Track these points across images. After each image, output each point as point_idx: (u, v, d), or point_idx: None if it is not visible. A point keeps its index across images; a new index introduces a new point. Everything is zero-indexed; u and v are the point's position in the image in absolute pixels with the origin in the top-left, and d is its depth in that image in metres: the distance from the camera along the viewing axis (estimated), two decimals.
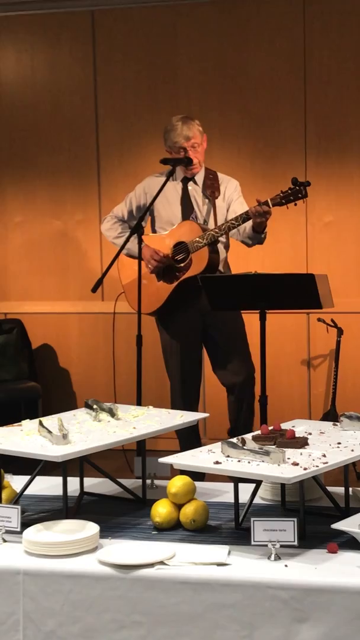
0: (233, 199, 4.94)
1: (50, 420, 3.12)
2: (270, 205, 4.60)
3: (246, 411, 4.93)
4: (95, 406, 3.28)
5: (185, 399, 4.94)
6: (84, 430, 3.07)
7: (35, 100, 6.52)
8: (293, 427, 3.08)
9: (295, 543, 2.54)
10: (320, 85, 6.08)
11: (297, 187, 4.58)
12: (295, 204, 4.63)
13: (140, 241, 4.74)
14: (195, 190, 4.94)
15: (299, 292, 4.44)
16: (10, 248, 6.63)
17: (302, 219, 6.05)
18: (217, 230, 4.72)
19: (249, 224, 4.73)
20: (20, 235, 6.61)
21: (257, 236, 4.80)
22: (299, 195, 4.59)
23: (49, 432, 2.94)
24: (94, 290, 4.76)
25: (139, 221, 4.76)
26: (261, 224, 4.70)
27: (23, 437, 3.01)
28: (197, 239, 4.75)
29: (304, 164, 6.11)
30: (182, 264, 4.83)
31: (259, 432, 2.99)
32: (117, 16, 6.34)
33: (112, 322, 6.24)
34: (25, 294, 6.61)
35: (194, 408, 4.93)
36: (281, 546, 2.53)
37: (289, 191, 4.60)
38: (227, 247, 4.95)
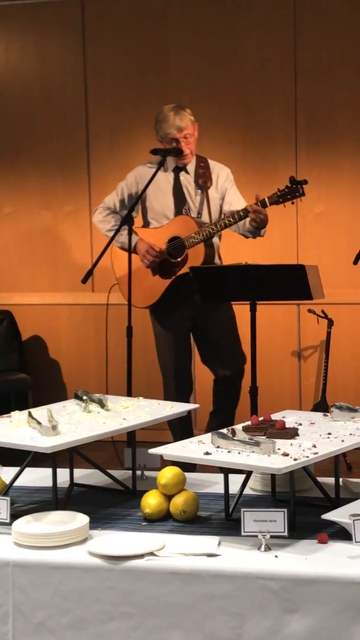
0: (226, 188, 4.91)
1: (40, 412, 3.10)
2: (268, 205, 4.60)
3: (230, 402, 4.96)
4: (84, 397, 3.27)
5: (179, 391, 4.95)
6: (73, 422, 3.06)
7: (25, 90, 6.49)
8: (283, 417, 3.08)
9: (286, 534, 2.53)
10: (311, 76, 6.07)
11: (295, 186, 4.56)
12: (293, 202, 4.63)
13: (130, 232, 4.72)
14: (187, 181, 4.91)
15: (289, 283, 4.43)
16: (0, 239, 6.60)
17: (293, 210, 6.03)
18: (213, 227, 4.70)
19: (247, 220, 4.71)
20: (9, 226, 6.59)
21: (256, 232, 4.80)
22: (296, 194, 4.58)
23: (39, 423, 2.93)
24: (84, 281, 4.75)
25: (128, 212, 4.75)
26: (262, 222, 4.67)
27: (12, 429, 3.00)
28: (193, 234, 4.73)
29: (294, 155, 6.10)
30: (177, 259, 4.82)
31: (249, 423, 2.99)
32: (106, 5, 6.32)
33: (102, 314, 6.25)
34: (15, 286, 6.59)
35: (187, 400, 4.93)
36: (271, 537, 2.53)
37: (286, 190, 4.58)
38: (219, 237, 4.94)
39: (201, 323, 4.93)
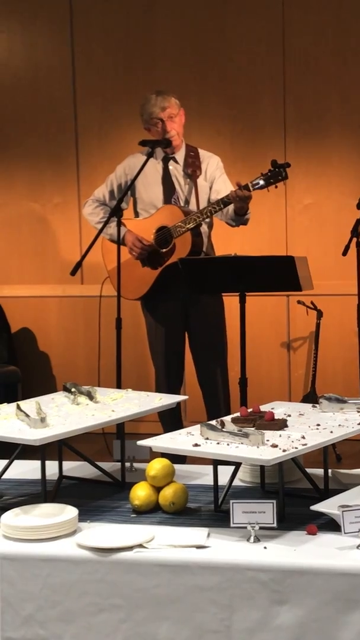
0: (215, 176, 4.88)
1: (28, 404, 3.10)
2: (251, 189, 4.56)
3: (214, 395, 4.92)
4: (73, 389, 3.26)
5: (170, 382, 4.93)
6: (62, 414, 3.05)
7: (13, 83, 6.46)
8: (272, 409, 3.07)
9: (275, 525, 2.53)
10: (300, 66, 6.06)
11: (277, 169, 4.53)
12: (276, 186, 4.60)
13: (119, 224, 4.71)
14: (177, 169, 4.88)
15: (278, 274, 4.43)
16: None
17: (282, 201, 6.03)
18: (199, 215, 4.68)
19: (231, 207, 4.70)
20: None
21: (239, 219, 4.77)
22: (279, 177, 4.54)
23: (27, 415, 2.92)
24: (73, 273, 4.74)
25: (117, 203, 4.73)
26: (242, 208, 4.66)
27: (0, 421, 2.99)
28: (180, 223, 4.70)
29: (283, 146, 6.09)
30: (165, 249, 4.80)
31: (238, 414, 2.98)
32: None
33: (91, 306, 6.24)
34: (4, 278, 6.57)
35: (178, 392, 4.92)
36: (260, 528, 2.53)
37: (269, 173, 4.54)
38: (210, 226, 4.91)
39: (190, 313, 4.90)
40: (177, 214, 4.75)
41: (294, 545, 2.50)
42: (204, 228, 4.83)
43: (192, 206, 4.82)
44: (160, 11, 6.21)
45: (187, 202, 4.83)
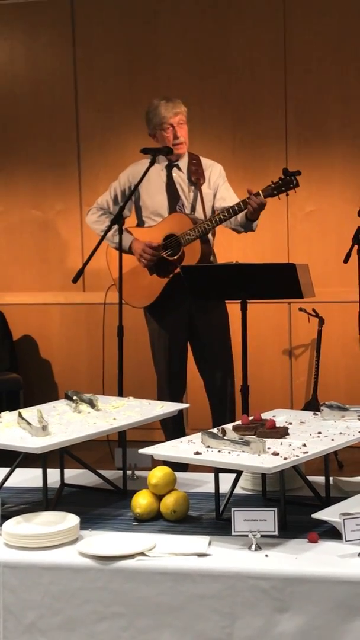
0: (219, 184, 4.89)
1: (30, 412, 3.10)
2: (262, 195, 4.58)
3: (223, 412, 4.92)
4: (75, 397, 3.27)
5: (172, 389, 4.92)
6: (63, 422, 3.05)
7: (15, 89, 6.48)
8: (273, 417, 3.08)
9: (276, 533, 2.53)
10: (301, 74, 6.07)
11: (288, 177, 4.55)
12: (287, 194, 4.62)
13: (120, 231, 4.71)
14: (180, 177, 4.88)
15: (280, 281, 4.44)
16: None
17: (283, 208, 6.04)
18: (208, 223, 4.68)
19: (241, 213, 4.70)
20: (0, 225, 6.58)
21: (250, 224, 4.78)
22: (290, 185, 4.56)
23: (29, 423, 2.92)
24: (75, 280, 4.73)
25: (119, 211, 4.73)
26: (254, 214, 4.68)
27: (2, 429, 2.99)
28: (188, 231, 4.70)
29: (284, 154, 6.10)
30: (174, 258, 4.80)
31: (239, 422, 2.99)
32: (96, 4, 6.31)
33: (93, 313, 6.25)
34: (6, 285, 6.58)
35: (180, 399, 4.92)
36: (262, 536, 2.53)
37: (280, 182, 4.56)
38: (213, 234, 4.92)
39: (196, 322, 4.90)
40: (185, 222, 4.75)
41: (296, 553, 2.50)
42: (209, 237, 4.84)
43: (198, 214, 4.83)
44: (161, 19, 6.23)
45: (193, 209, 4.84)
